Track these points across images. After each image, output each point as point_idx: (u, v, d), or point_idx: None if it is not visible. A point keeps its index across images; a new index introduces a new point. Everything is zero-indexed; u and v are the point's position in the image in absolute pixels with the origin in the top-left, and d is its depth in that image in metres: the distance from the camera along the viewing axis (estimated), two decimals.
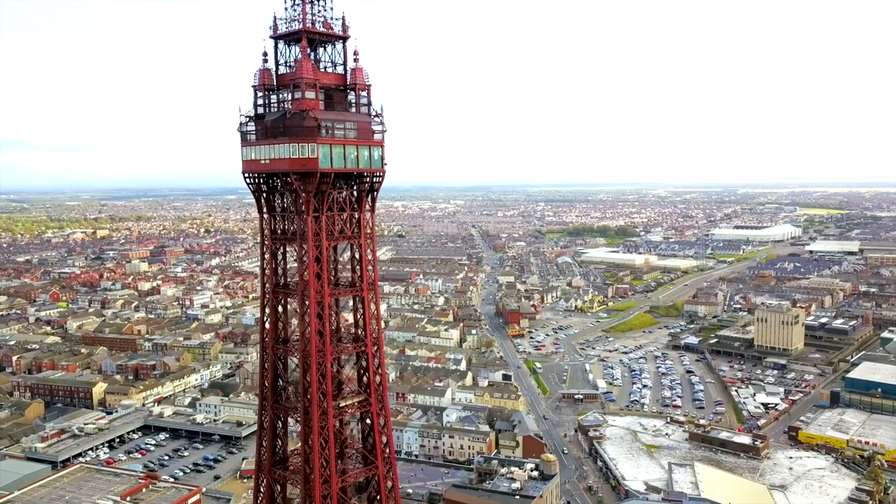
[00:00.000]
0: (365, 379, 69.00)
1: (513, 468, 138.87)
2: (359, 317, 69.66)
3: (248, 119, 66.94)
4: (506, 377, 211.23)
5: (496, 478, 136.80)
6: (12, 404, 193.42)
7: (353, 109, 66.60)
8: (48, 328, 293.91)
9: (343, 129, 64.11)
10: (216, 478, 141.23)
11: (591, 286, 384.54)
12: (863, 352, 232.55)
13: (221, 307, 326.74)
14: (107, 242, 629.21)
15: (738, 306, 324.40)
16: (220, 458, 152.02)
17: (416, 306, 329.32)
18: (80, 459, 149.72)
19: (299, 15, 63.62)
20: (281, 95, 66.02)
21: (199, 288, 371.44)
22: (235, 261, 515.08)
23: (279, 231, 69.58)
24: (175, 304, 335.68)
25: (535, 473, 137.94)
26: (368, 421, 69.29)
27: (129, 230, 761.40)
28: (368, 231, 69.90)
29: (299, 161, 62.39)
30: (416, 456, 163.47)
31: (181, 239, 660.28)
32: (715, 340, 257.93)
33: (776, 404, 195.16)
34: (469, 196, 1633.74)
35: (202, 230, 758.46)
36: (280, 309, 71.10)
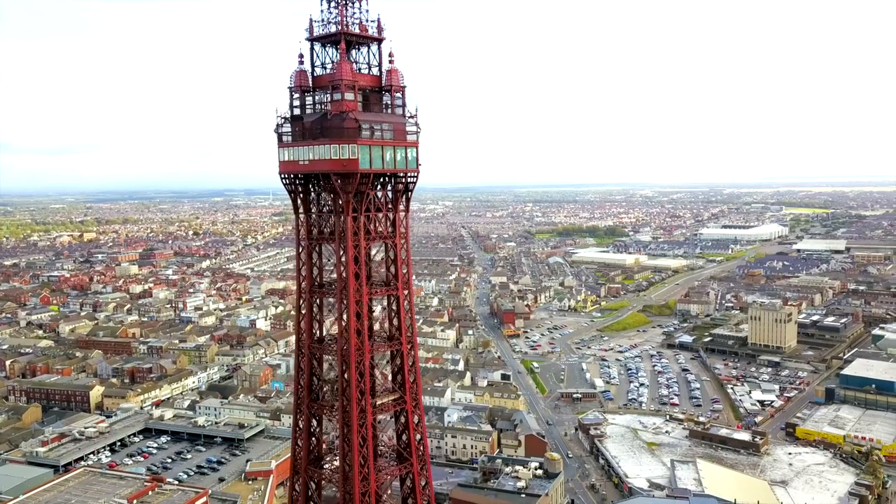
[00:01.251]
0: (399, 377, 69.59)
1: (517, 467, 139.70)
2: (393, 315, 70.21)
3: (283, 120, 67.39)
4: (504, 377, 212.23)
5: (501, 477, 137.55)
6: (9, 409, 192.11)
7: (388, 110, 67.34)
8: (40, 332, 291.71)
9: (381, 129, 64.84)
10: (221, 480, 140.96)
11: (584, 286, 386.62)
12: (855, 349, 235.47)
13: (215, 309, 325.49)
14: (95, 245, 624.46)
15: (730, 305, 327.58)
16: (223, 460, 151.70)
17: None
18: (82, 463, 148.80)
19: (335, 17, 64.21)
20: (317, 97, 66.59)
21: (191, 290, 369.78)
22: (226, 263, 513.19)
23: (314, 231, 70.05)
24: (168, 306, 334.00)
25: (540, 472, 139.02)
26: (403, 419, 69.88)
27: (116, 233, 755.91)
28: (402, 230, 70.61)
29: (340, 162, 63.03)
30: None
31: (170, 241, 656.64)
32: (709, 339, 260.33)
33: (772, 401, 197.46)
34: (457, 197, 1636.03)
35: (191, 233, 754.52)
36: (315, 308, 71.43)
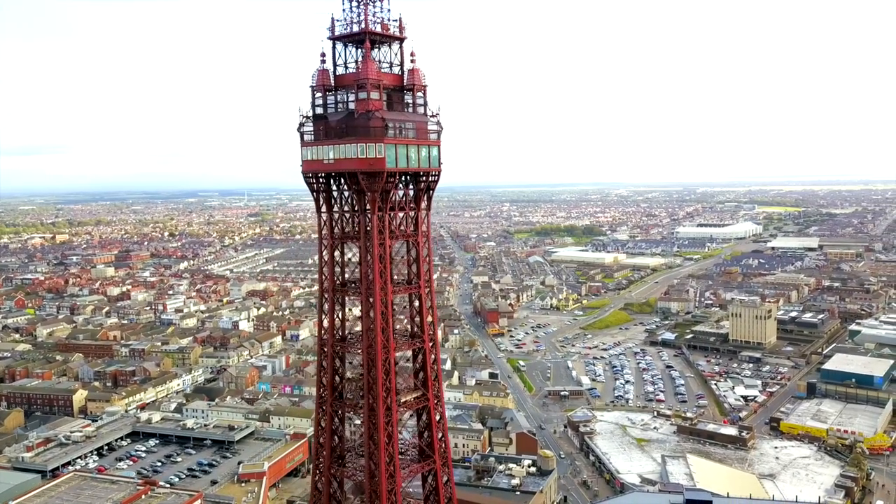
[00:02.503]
0: (421, 375, 69.87)
1: (511, 465, 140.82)
2: (415, 314, 70.46)
3: (305, 119, 67.29)
4: (492, 375, 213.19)
5: (495, 475, 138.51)
6: None
7: (409, 109, 67.63)
8: (17, 335, 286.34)
9: (404, 128, 65.15)
10: (213, 482, 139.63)
11: (565, 285, 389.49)
12: (834, 344, 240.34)
13: (196, 311, 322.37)
14: (68, 247, 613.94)
15: (710, 302, 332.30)
16: (214, 462, 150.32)
17: (395, 307, 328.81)
18: (70, 468, 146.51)
19: (357, 17, 64.40)
20: (339, 96, 66.64)
21: (170, 292, 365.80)
22: (204, 264, 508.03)
23: (336, 230, 70.08)
24: (147, 308, 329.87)
25: (533, 469, 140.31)
26: (425, 416, 70.19)
27: (89, 235, 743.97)
28: (424, 229, 70.93)
29: (367, 161, 63.25)
30: None
31: (145, 243, 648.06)
32: (691, 336, 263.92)
33: (755, 396, 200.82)
34: (435, 197, 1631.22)
35: (166, 234, 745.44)
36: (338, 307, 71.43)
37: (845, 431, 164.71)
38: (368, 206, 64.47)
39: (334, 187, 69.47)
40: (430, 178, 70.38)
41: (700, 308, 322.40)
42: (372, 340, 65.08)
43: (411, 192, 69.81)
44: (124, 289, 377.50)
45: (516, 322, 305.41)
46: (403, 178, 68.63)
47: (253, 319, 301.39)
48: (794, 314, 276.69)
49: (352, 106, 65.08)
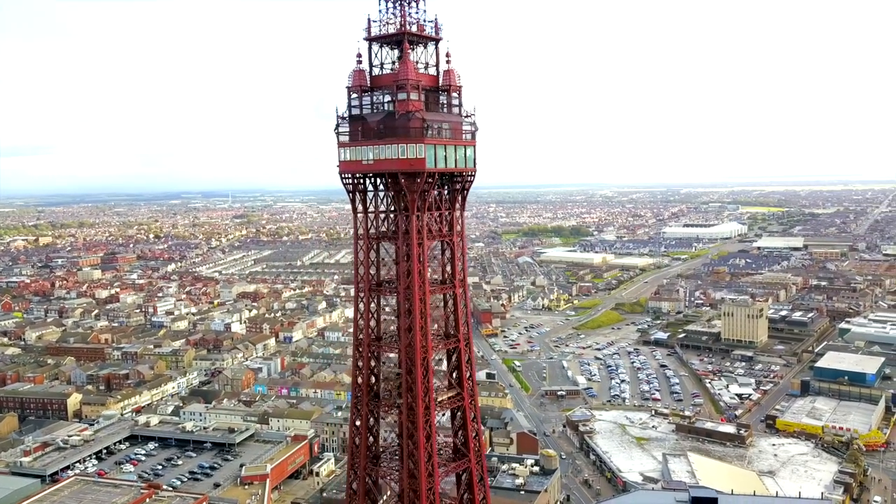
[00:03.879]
0: (455, 374, 70.17)
1: (514, 464, 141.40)
2: (449, 314, 70.77)
3: (342, 120, 67.36)
4: (489, 376, 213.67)
5: (498, 475, 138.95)
6: None
7: (444, 110, 67.92)
8: (5, 339, 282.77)
9: (442, 129, 65.54)
10: (216, 485, 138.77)
11: (555, 285, 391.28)
12: (825, 342, 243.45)
13: (187, 314, 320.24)
14: (52, 250, 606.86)
15: (700, 302, 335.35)
16: (216, 465, 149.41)
17: (387, 308, 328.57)
18: (69, 472, 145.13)
19: (394, 17, 64.76)
20: (375, 97, 66.83)
21: (160, 294, 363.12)
22: (192, 266, 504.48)
23: (372, 230, 70.23)
24: (137, 311, 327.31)
25: (536, 469, 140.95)
26: (459, 415, 70.48)
27: (73, 237, 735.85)
28: (458, 229, 71.28)
29: (407, 161, 63.58)
30: None
31: (131, 245, 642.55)
32: (683, 335, 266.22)
33: (749, 395, 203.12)
34: None
35: (151, 236, 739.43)
36: (373, 307, 71.60)
37: (840, 428, 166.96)
38: (408, 207, 64.70)
39: (370, 187, 69.60)
40: (465, 179, 70.77)
41: (690, 308, 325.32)
42: (411, 340, 65.36)
43: (446, 193, 70.05)
44: (112, 291, 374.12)
45: (509, 322, 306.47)
46: (442, 178, 68.94)
47: (245, 321, 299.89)
48: (784, 313, 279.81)
49: (388, 107, 65.34)
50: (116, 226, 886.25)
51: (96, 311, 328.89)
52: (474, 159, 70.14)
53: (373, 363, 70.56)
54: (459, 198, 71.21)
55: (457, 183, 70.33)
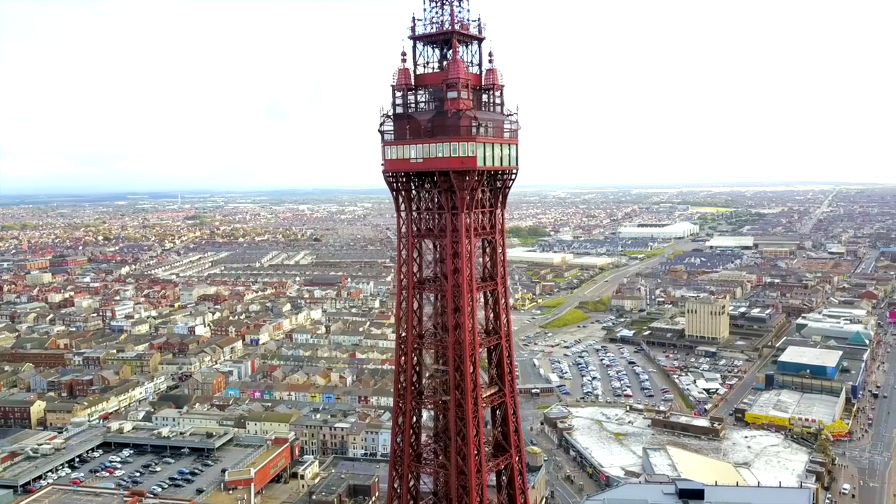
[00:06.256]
0: (496, 371, 70.53)
1: None
2: (490, 311, 71.06)
3: (386, 118, 67.01)
4: None
5: None
6: None
7: (486, 108, 68.11)
8: None
9: (488, 127, 65.76)
10: (199, 491, 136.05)
11: (519, 284, 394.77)
12: (784, 338, 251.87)
13: (148, 317, 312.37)
14: None
15: (662, 299, 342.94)
16: (196, 471, 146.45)
17: (353, 310, 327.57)
18: (42, 482, 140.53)
19: (438, 16, 64.88)
20: (419, 95, 66.72)
21: (117, 298, 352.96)
22: (147, 269, 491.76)
23: (416, 228, 70.01)
24: (94, 315, 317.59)
25: None
26: (500, 412, 70.86)
27: (17, 239, 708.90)
28: (499, 227, 71.66)
29: (459, 160, 63.78)
30: None
31: (80, 247, 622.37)
32: (648, 332, 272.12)
33: (717, 389, 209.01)
34: (375, 199, 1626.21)
35: (101, 238, 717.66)
36: (416, 304, 71.40)
37: (806, 420, 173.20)
38: (456, 205, 64.96)
39: (413, 186, 69.52)
40: (507, 177, 71.36)
41: (652, 305, 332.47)
42: (458, 337, 65.62)
43: (488, 191, 70.50)
44: (66, 295, 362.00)
45: None
46: (487, 177, 69.37)
47: (209, 324, 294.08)
48: (742, 310, 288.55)
49: (432, 105, 65.26)
50: (62, 227, 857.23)
51: (51, 315, 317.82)
52: (517, 158, 70.80)
53: (415, 360, 70.60)
54: (500, 196, 71.72)
55: (498, 181, 70.89)
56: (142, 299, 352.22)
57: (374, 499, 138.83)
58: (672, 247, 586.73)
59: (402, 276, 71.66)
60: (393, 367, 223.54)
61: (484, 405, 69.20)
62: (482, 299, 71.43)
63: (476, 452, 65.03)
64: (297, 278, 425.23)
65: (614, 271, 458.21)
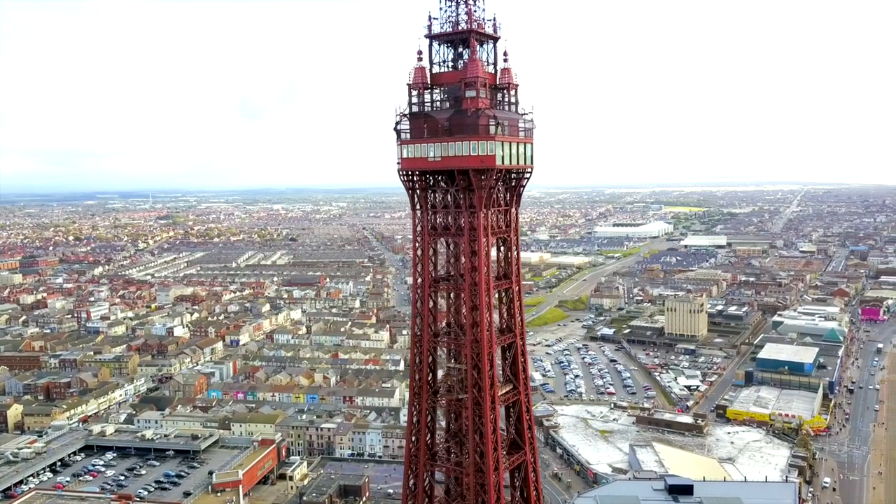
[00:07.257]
0: (511, 369, 70.67)
1: None
2: (504, 309, 71.12)
3: (402, 117, 66.74)
4: None
5: None
6: None
7: (501, 107, 68.22)
8: None
9: (505, 126, 65.86)
10: (186, 494, 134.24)
11: None
12: (760, 335, 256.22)
13: (124, 318, 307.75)
14: None
15: (640, 298, 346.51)
16: (182, 473, 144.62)
17: (333, 310, 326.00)
18: (24, 486, 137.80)
19: (453, 16, 64.97)
20: (435, 94, 66.58)
21: (91, 299, 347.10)
22: (121, 269, 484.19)
23: (431, 227, 69.80)
24: (69, 317, 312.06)
25: None
26: (515, 410, 71.03)
27: None
28: (514, 226, 71.83)
29: (478, 158, 63.77)
30: (380, 456, 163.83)
31: (51, 248, 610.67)
32: (628, 331, 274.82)
33: (697, 386, 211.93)
34: (350, 198, 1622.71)
35: (71, 238, 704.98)
36: (431, 303, 71.22)
37: (786, 415, 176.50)
38: (474, 203, 64.99)
39: (429, 184, 69.40)
40: (522, 176, 71.63)
41: (630, 304, 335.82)
42: (476, 335, 65.70)
43: (504, 190, 70.70)
44: (39, 296, 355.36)
45: None
46: (502, 176, 69.54)
47: (188, 325, 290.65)
48: (720, 308, 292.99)
49: (447, 105, 65.26)
50: (31, 227, 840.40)
51: (23, 317, 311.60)
52: (532, 157, 71.23)
53: (430, 358, 70.54)
54: (515, 195, 72.00)
55: (513, 180, 71.17)
56: (117, 300, 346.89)
57: (364, 499, 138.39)
58: (647, 246, 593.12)
59: (417, 274, 71.54)
60: (377, 367, 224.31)
61: (500, 403, 69.47)
62: (496, 298, 71.60)
63: (494, 450, 65.25)
64: (275, 278, 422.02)
65: (592, 270, 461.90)
